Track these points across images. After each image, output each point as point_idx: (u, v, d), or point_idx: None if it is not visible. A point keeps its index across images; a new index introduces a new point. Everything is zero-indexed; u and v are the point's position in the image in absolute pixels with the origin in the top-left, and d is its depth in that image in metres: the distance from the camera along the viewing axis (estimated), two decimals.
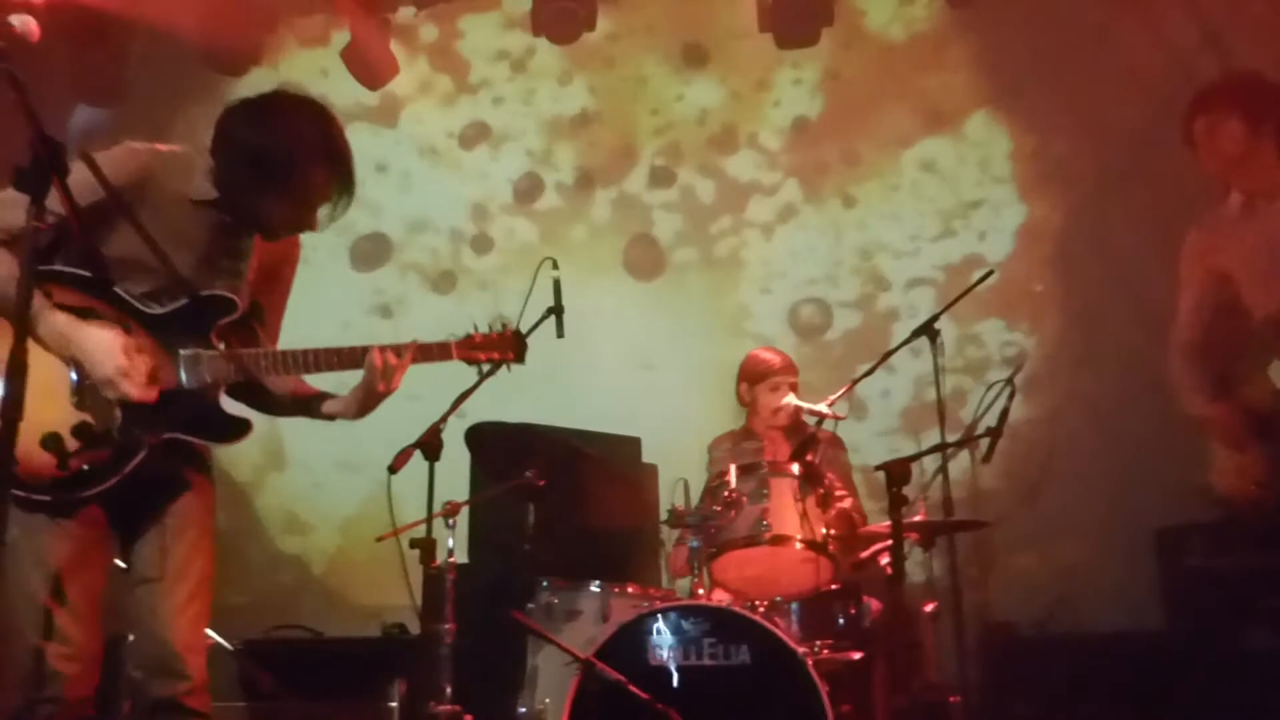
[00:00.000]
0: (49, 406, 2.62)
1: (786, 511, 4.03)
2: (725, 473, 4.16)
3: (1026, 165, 6.27)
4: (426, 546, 3.79)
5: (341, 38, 6.69)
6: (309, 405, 3.08)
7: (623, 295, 6.60)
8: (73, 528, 2.68)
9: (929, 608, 4.28)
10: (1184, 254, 4.02)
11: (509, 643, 4.11)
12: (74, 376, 2.66)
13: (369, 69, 6.70)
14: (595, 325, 5.87)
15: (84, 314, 2.69)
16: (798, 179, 6.56)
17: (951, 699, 4.02)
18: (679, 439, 5.61)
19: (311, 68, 6.89)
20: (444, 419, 3.74)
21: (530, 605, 4.10)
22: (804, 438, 4.29)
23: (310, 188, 2.85)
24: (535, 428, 4.68)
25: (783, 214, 6.57)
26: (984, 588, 5.61)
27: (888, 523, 3.78)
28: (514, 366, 3.20)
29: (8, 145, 2.38)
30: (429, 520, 3.81)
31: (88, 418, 2.66)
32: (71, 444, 2.64)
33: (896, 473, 3.69)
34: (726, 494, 4.07)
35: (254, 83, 6.49)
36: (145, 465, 2.72)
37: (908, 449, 4.92)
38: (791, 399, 4.79)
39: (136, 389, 2.67)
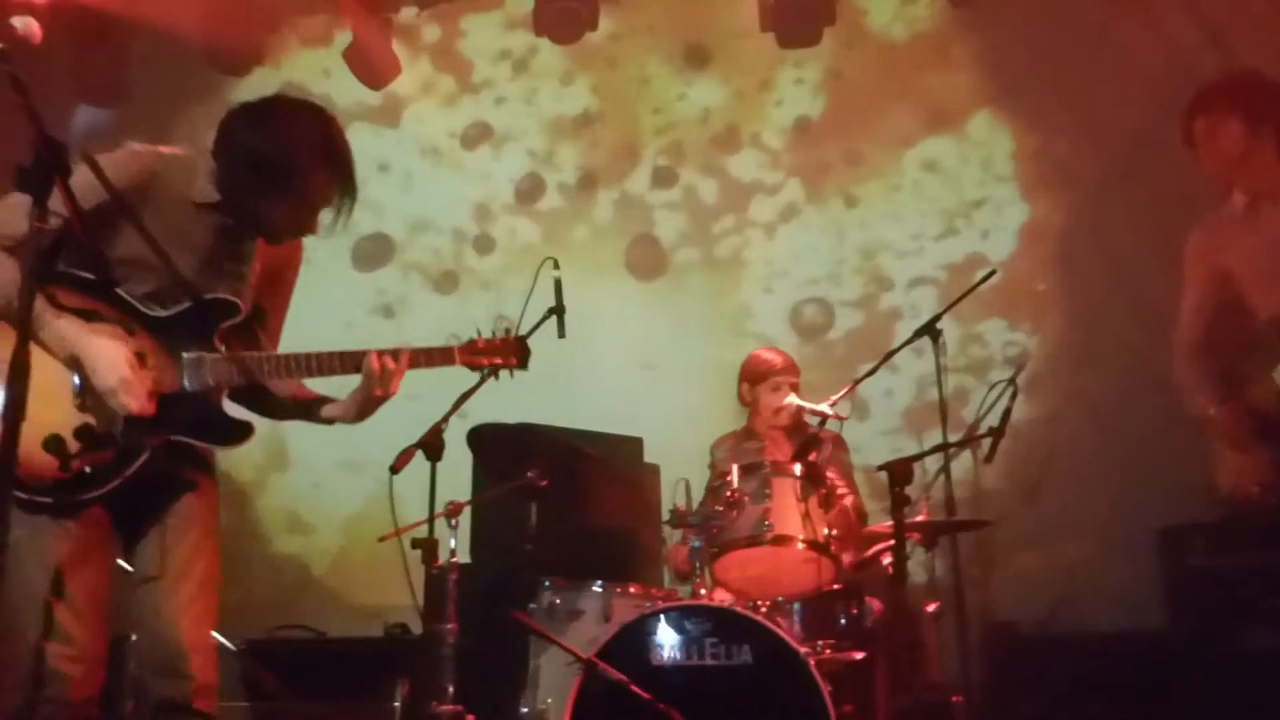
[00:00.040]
0: (51, 408, 2.62)
1: (789, 511, 4.03)
2: (727, 473, 4.16)
3: (1029, 165, 6.27)
4: (429, 546, 3.79)
5: (344, 38, 6.70)
6: (309, 409, 3.08)
7: (625, 295, 6.60)
8: (75, 529, 2.68)
9: (931, 607, 4.28)
10: (1186, 254, 4.01)
11: (511, 643, 4.11)
12: (76, 379, 2.66)
13: (371, 69, 6.70)
14: (597, 325, 5.88)
15: (87, 316, 2.69)
16: (800, 179, 6.56)
17: (954, 699, 4.02)
18: (681, 439, 5.61)
19: (314, 68, 6.89)
20: (445, 419, 3.75)
21: (532, 605, 4.10)
22: (806, 438, 4.29)
23: (311, 191, 2.86)
24: (537, 428, 4.68)
25: (785, 214, 6.57)
26: (986, 587, 5.61)
27: (890, 523, 3.77)
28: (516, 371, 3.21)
29: (10, 146, 2.38)
30: (431, 520, 3.82)
31: (90, 420, 2.66)
32: (73, 446, 2.64)
33: (899, 472, 3.69)
34: (729, 494, 4.07)
35: (256, 83, 6.54)
36: (148, 467, 2.72)
37: (910, 449, 4.92)
38: (793, 399, 4.79)
39: (136, 402, 2.67)
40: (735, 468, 4.15)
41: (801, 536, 3.99)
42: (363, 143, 6.61)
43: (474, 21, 6.95)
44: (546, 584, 4.12)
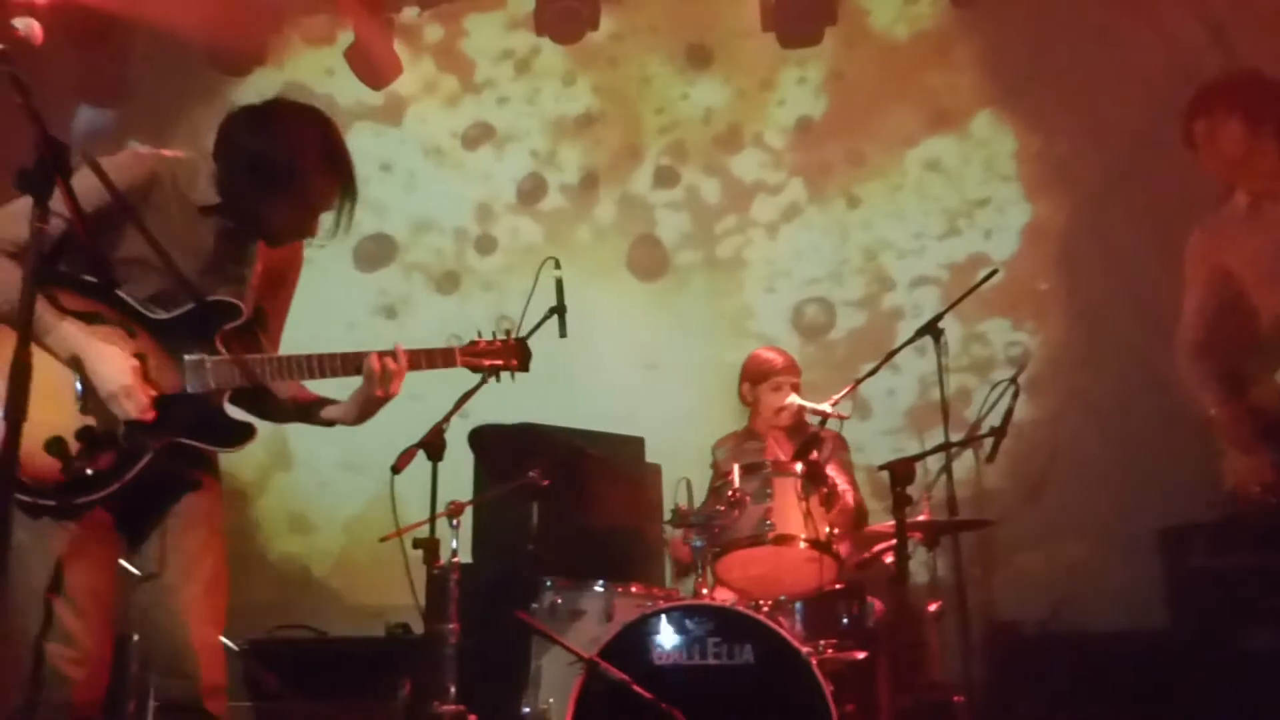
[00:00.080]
0: (54, 410, 2.62)
1: (790, 511, 4.04)
2: (729, 473, 4.16)
3: (1032, 164, 6.26)
4: (430, 546, 3.80)
5: (346, 37, 6.70)
6: (309, 411, 3.09)
7: (627, 295, 6.60)
8: (78, 531, 2.68)
9: (933, 607, 4.28)
10: (1188, 254, 4.01)
11: (513, 642, 4.11)
12: (78, 382, 2.67)
13: (372, 69, 6.71)
14: (599, 325, 5.88)
15: (89, 319, 2.70)
16: (802, 178, 6.56)
17: (955, 698, 4.02)
18: (682, 439, 5.61)
19: (316, 67, 6.90)
20: (446, 419, 3.75)
21: (534, 605, 4.10)
22: (807, 437, 4.29)
23: (311, 194, 2.87)
24: (538, 428, 4.69)
25: (787, 213, 6.57)
26: (988, 587, 5.61)
27: (891, 522, 3.77)
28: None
29: (12, 147, 2.39)
30: (432, 520, 3.82)
31: (92, 422, 2.67)
32: (75, 448, 2.64)
33: (900, 472, 3.69)
34: (730, 494, 4.07)
35: (258, 83, 6.54)
36: (150, 469, 2.72)
37: (912, 448, 4.92)
38: (794, 399, 4.78)
39: (137, 408, 2.68)
40: (737, 467, 4.15)
41: (803, 536, 3.99)
42: (365, 143, 6.69)
43: (476, 21, 6.95)
44: (548, 584, 4.12)
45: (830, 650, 3.98)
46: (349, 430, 3.19)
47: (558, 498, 4.27)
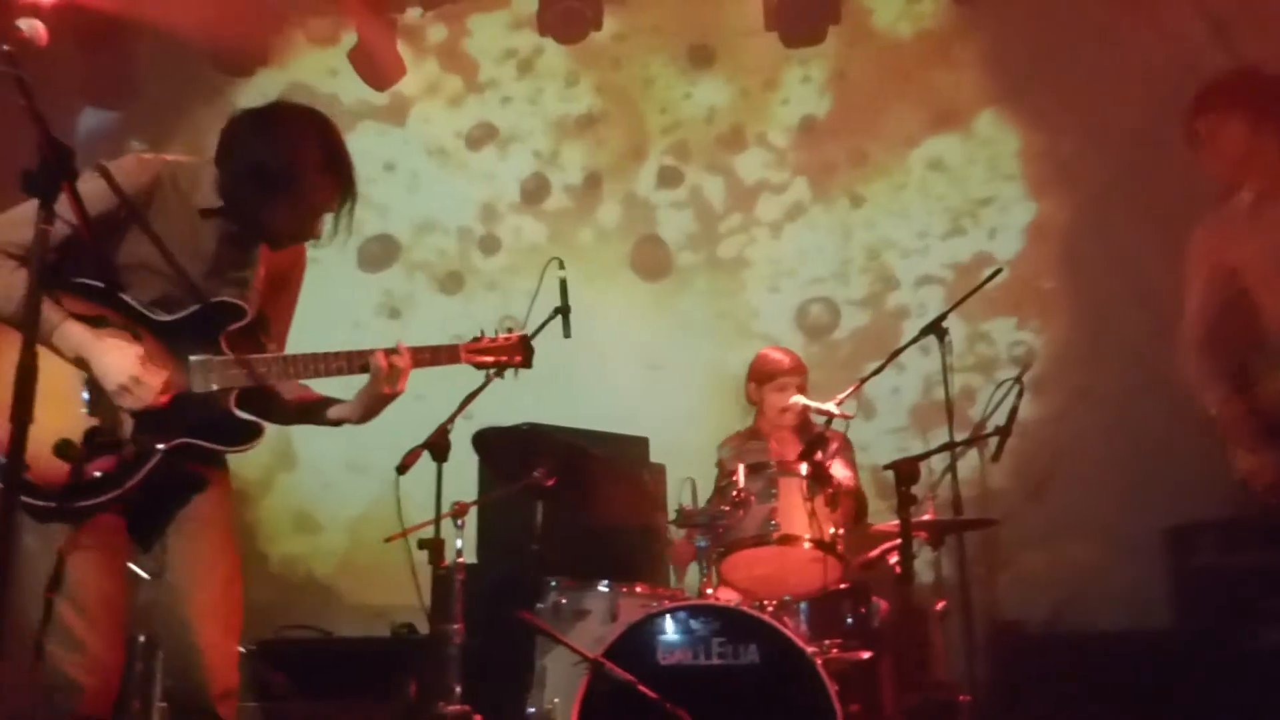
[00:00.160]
0: (62, 413, 2.63)
1: (795, 511, 4.03)
2: (734, 472, 4.16)
3: (1036, 163, 6.26)
4: (435, 547, 3.79)
5: (350, 37, 6.70)
6: (315, 411, 3.09)
7: (630, 295, 6.60)
8: (89, 535, 2.67)
9: (938, 607, 4.27)
10: (1191, 251, 4.01)
11: (518, 643, 4.11)
12: (86, 384, 2.67)
13: (376, 70, 6.71)
14: (603, 325, 5.89)
15: (95, 322, 2.70)
16: (806, 178, 6.56)
17: (960, 698, 4.01)
18: (686, 438, 5.61)
19: (320, 68, 6.90)
20: (451, 420, 3.75)
21: (539, 605, 4.10)
22: (813, 437, 4.29)
23: (312, 198, 2.87)
24: (542, 428, 4.68)
25: (791, 213, 6.56)
26: (993, 587, 5.60)
27: (896, 521, 3.77)
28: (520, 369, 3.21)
29: (16, 149, 2.39)
30: (437, 521, 3.82)
31: (101, 424, 2.67)
32: (84, 450, 2.64)
33: (905, 471, 3.68)
34: (735, 493, 4.07)
35: (261, 84, 6.55)
36: (159, 470, 2.72)
37: (916, 447, 4.93)
38: (799, 399, 4.78)
39: (150, 395, 2.68)
40: (741, 467, 4.15)
41: (808, 536, 3.99)
42: (368, 143, 6.70)
43: (479, 21, 6.95)
44: (553, 584, 4.12)
45: (835, 650, 3.97)
46: (353, 431, 3.19)
47: (562, 498, 4.26)
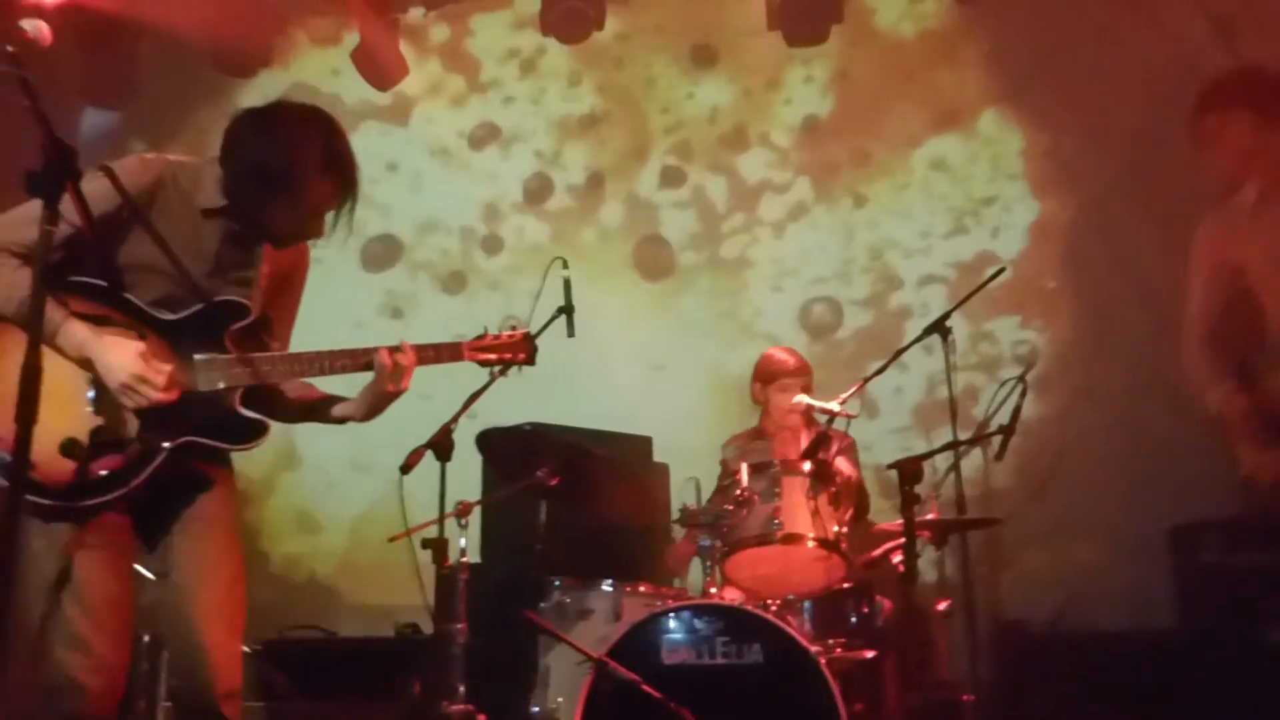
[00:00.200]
0: (68, 413, 2.63)
1: (798, 510, 4.03)
2: (737, 472, 4.16)
3: (1039, 162, 6.25)
4: (439, 546, 3.79)
5: (353, 37, 6.71)
6: (319, 409, 3.09)
7: (633, 295, 6.60)
8: (95, 535, 2.67)
9: (941, 606, 4.26)
10: (1193, 249, 4.00)
11: (522, 642, 4.12)
12: (91, 383, 2.68)
13: (378, 70, 6.71)
14: (606, 325, 5.88)
15: (99, 322, 2.71)
16: (809, 177, 6.56)
17: (964, 697, 4.00)
18: (690, 438, 5.61)
19: (322, 68, 6.91)
20: (455, 419, 3.75)
21: (542, 604, 4.10)
22: (816, 436, 4.29)
23: (315, 197, 2.87)
24: (546, 428, 4.69)
25: (794, 212, 6.56)
26: (996, 586, 5.60)
27: (900, 521, 3.77)
28: (524, 367, 3.21)
29: (20, 150, 2.39)
30: (441, 520, 3.82)
31: (106, 423, 2.67)
32: (90, 449, 2.64)
33: (909, 471, 3.68)
34: (738, 493, 4.07)
35: (264, 84, 6.55)
36: (164, 469, 2.73)
37: (920, 447, 4.93)
38: (802, 398, 4.77)
39: (156, 390, 2.68)
40: (745, 466, 4.15)
41: (811, 535, 3.98)
42: (371, 142, 6.70)
43: (481, 21, 6.96)
44: (556, 583, 4.12)
45: (839, 649, 3.97)
46: (357, 430, 3.19)
47: (566, 497, 4.27)
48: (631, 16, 6.77)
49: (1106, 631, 5.04)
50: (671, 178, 6.71)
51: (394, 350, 2.94)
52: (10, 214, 2.68)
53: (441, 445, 3.72)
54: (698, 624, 3.77)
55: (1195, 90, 3.93)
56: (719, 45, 6.73)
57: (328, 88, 6.75)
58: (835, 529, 4.04)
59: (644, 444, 5.49)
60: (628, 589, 4.08)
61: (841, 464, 4.44)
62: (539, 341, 3.28)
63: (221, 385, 2.81)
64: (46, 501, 2.60)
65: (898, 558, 4.16)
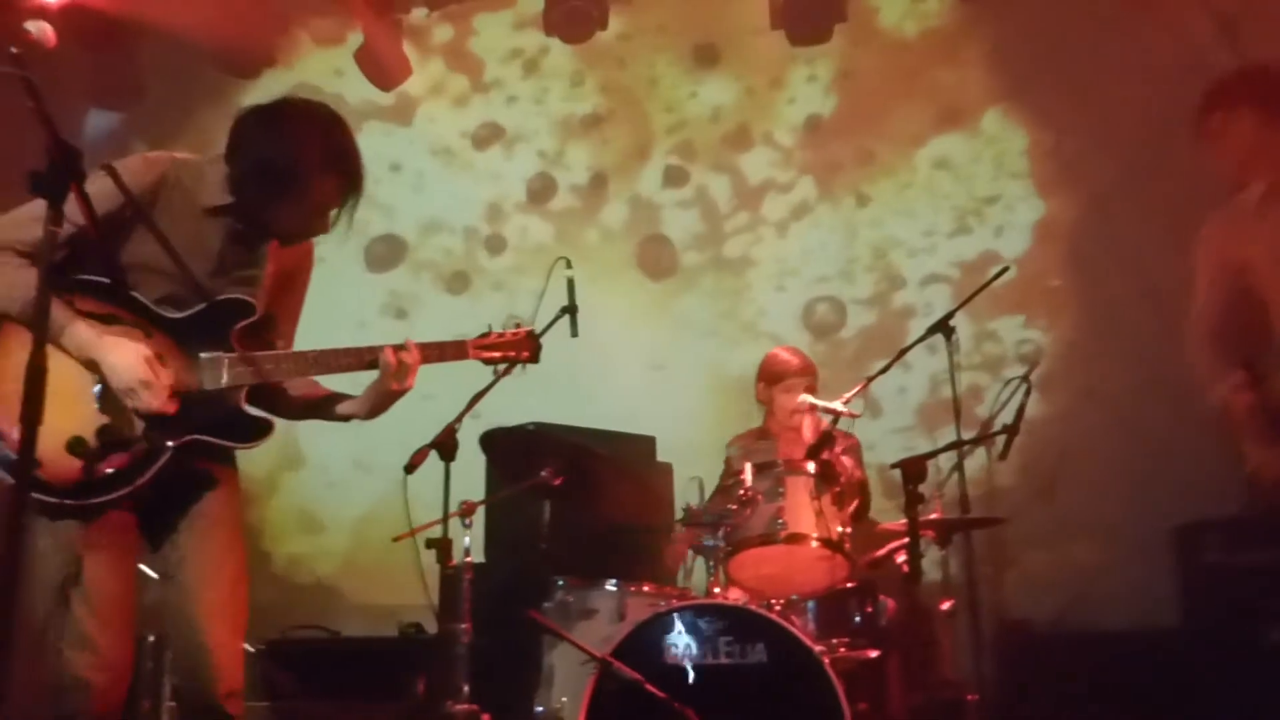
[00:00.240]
0: (74, 411, 2.64)
1: (802, 510, 4.02)
2: (741, 471, 4.15)
3: (1043, 161, 6.24)
4: (443, 546, 3.80)
5: (356, 38, 6.72)
6: (322, 407, 3.10)
7: (636, 294, 6.60)
8: (100, 533, 2.69)
9: (945, 605, 4.26)
10: (1199, 245, 4.00)
11: (525, 642, 4.12)
12: (97, 382, 2.69)
13: (382, 70, 6.72)
14: (609, 325, 5.89)
15: (105, 320, 2.71)
16: (812, 177, 6.55)
17: (968, 697, 4.00)
18: (693, 438, 5.61)
19: (326, 68, 6.92)
20: (459, 419, 3.75)
21: (546, 604, 4.10)
22: (820, 436, 4.28)
23: (320, 195, 2.86)
24: (549, 428, 4.69)
25: (797, 211, 6.56)
26: (1000, 585, 5.60)
27: (904, 520, 3.77)
28: (528, 366, 3.21)
29: (25, 151, 2.40)
30: (445, 520, 3.82)
31: (112, 422, 2.68)
32: (97, 448, 2.65)
33: (912, 470, 3.68)
34: (742, 492, 4.06)
35: (268, 85, 6.57)
36: (170, 467, 2.73)
37: (923, 446, 4.92)
38: (805, 397, 4.77)
39: (156, 400, 2.69)
40: (749, 466, 4.14)
41: (815, 535, 3.98)
42: (374, 143, 6.70)
43: (484, 21, 6.97)
44: (560, 583, 4.12)
45: (843, 649, 3.97)
46: (360, 430, 3.20)
47: (569, 497, 4.27)
48: (634, 16, 6.77)
49: (1110, 631, 5.03)
50: (674, 177, 6.71)
51: (399, 348, 2.94)
52: (14, 213, 2.69)
53: (445, 445, 3.72)
54: (701, 624, 3.77)
55: (1199, 89, 3.93)
56: (722, 45, 6.73)
57: (331, 88, 6.76)
58: (839, 529, 4.04)
59: (647, 444, 5.49)
60: (631, 588, 4.08)
61: (845, 462, 4.44)
62: (543, 341, 3.28)
63: (226, 384, 2.82)
64: (53, 500, 2.61)
65: (901, 557, 4.15)
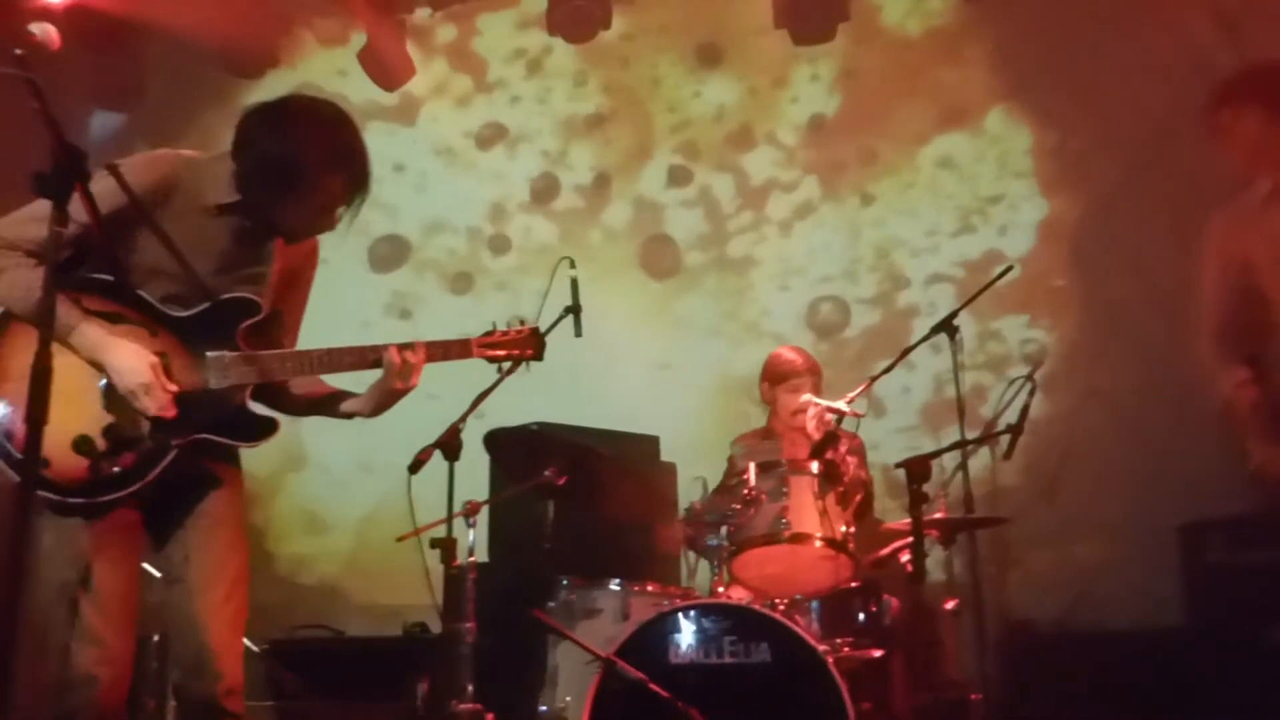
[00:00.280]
0: (81, 410, 2.66)
1: (806, 510, 4.03)
2: (744, 471, 4.16)
3: (1046, 160, 6.23)
4: (447, 546, 3.80)
5: (360, 39, 6.73)
6: (326, 404, 3.11)
7: (640, 294, 6.60)
8: (106, 531, 2.71)
9: (949, 605, 4.26)
10: (1206, 240, 4.00)
11: (530, 641, 4.12)
12: (103, 381, 2.70)
13: (385, 70, 6.73)
14: (612, 324, 5.89)
15: (112, 319, 2.73)
16: (815, 176, 6.55)
17: (972, 696, 4.00)
18: (697, 438, 5.61)
19: (329, 69, 6.93)
20: (463, 419, 3.75)
21: (550, 604, 4.10)
22: (824, 435, 4.28)
23: (327, 192, 2.86)
24: (553, 427, 4.69)
25: (800, 211, 6.56)
26: (1004, 585, 5.59)
27: (908, 520, 3.77)
28: (532, 365, 3.22)
29: (30, 151, 2.40)
30: (449, 520, 3.83)
31: (118, 421, 2.69)
32: (103, 446, 2.67)
33: (916, 470, 3.68)
34: (746, 492, 4.07)
35: (271, 85, 6.57)
36: (175, 466, 2.75)
37: (927, 446, 4.91)
38: (809, 397, 4.77)
39: (156, 405, 2.70)
40: (753, 466, 4.15)
41: (819, 534, 3.98)
42: (378, 143, 6.57)
43: (488, 21, 6.97)
44: (564, 582, 4.13)
45: (846, 648, 3.97)
46: (364, 430, 3.20)
47: (573, 497, 4.27)
48: (637, 16, 6.77)
49: (1114, 630, 5.03)
50: (678, 177, 6.71)
51: (403, 347, 2.94)
52: (21, 212, 2.69)
53: (450, 445, 3.72)
54: (705, 623, 3.77)
55: (1202, 88, 3.94)
56: (725, 44, 6.73)
57: (334, 88, 6.76)
58: (843, 529, 4.04)
59: (651, 443, 5.49)
60: (635, 588, 4.08)
61: (848, 462, 4.43)
62: (547, 341, 3.28)
63: (232, 383, 2.82)
64: (59, 498, 2.62)
65: (905, 557, 4.15)
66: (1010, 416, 4.08)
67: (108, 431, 2.67)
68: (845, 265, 6.45)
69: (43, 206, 2.35)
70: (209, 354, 2.82)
